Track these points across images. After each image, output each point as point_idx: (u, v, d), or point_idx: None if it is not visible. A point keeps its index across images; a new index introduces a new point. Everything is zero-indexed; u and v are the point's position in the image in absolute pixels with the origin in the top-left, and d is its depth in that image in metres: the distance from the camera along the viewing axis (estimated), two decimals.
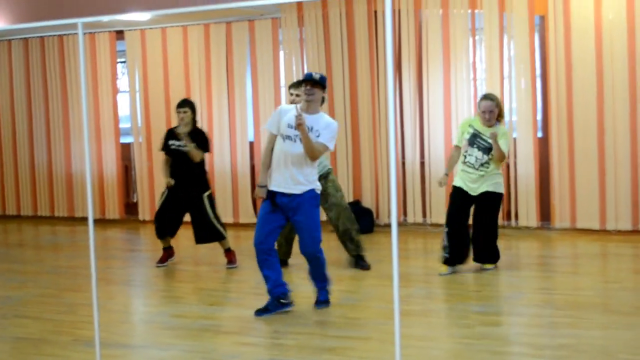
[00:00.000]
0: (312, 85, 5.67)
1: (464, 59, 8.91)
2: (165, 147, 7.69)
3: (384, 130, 9.28)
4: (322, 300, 5.95)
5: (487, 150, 6.66)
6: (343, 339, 5.13)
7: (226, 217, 9.92)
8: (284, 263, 7.36)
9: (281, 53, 9.79)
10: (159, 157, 10.11)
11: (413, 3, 8.98)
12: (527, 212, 8.72)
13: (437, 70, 9.00)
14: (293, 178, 5.66)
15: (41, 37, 10.96)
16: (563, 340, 4.92)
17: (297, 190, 5.67)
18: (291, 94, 6.85)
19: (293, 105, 5.84)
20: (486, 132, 6.70)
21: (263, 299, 6.20)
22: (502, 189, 6.82)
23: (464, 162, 6.78)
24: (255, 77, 9.84)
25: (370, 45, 9.25)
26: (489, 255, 6.88)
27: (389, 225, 9.06)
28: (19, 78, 11.24)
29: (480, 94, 8.85)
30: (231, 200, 10.01)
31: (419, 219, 9.25)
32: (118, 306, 6.35)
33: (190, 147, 7.36)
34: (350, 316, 5.67)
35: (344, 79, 9.34)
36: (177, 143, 7.54)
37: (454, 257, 6.88)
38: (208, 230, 7.56)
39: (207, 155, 7.90)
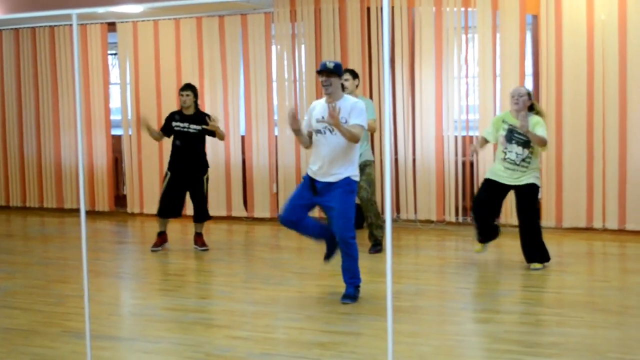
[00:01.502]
0: (328, 75, 5.80)
1: (456, 57, 8.94)
2: (168, 129, 8.00)
3: (377, 125, 9.28)
4: (347, 294, 5.95)
5: (527, 143, 6.68)
6: (334, 334, 5.15)
7: (219, 210, 9.94)
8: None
9: (273, 47, 9.78)
10: (149, 150, 10.19)
11: (406, 0, 9.00)
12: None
13: (429, 67, 9.02)
14: (329, 169, 5.85)
15: (32, 27, 10.91)
16: (552, 339, 4.95)
17: (333, 178, 5.85)
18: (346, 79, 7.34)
19: (321, 100, 6.01)
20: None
21: (254, 293, 6.23)
22: (539, 183, 6.93)
23: (504, 159, 6.79)
24: (247, 72, 9.83)
25: (363, 41, 9.26)
26: (537, 253, 6.87)
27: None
28: (9, 68, 11.19)
29: (472, 92, 8.94)
30: (224, 194, 10.00)
31: (411, 216, 9.27)
32: (108, 298, 6.34)
33: (216, 127, 7.79)
34: (341, 311, 5.69)
35: None
36: (180, 125, 7.91)
37: (485, 238, 7.06)
38: (201, 210, 7.98)
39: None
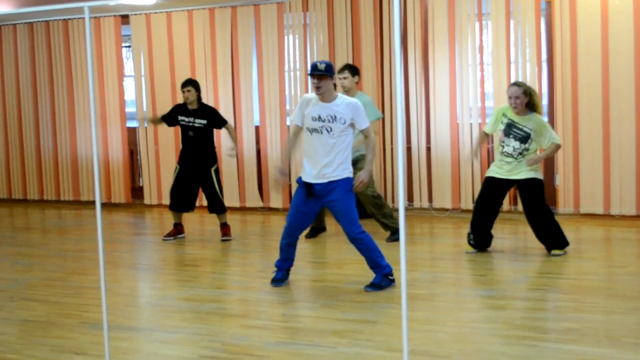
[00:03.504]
0: (319, 78, 5.74)
1: (470, 44, 8.90)
2: (172, 119, 8.09)
3: (388, 114, 9.28)
4: (372, 283, 5.95)
5: (525, 139, 6.69)
6: (349, 322, 5.15)
7: (232, 201, 9.98)
8: (322, 229, 8.14)
9: (286, 38, 9.77)
10: (165, 142, 10.24)
11: None
12: None
13: (443, 54, 8.99)
14: (326, 169, 5.81)
15: (46, 21, 10.96)
16: (568, 324, 4.94)
17: (332, 177, 5.82)
18: (339, 79, 7.40)
19: (313, 95, 5.92)
20: (521, 121, 6.72)
21: (269, 282, 6.24)
22: (541, 176, 6.85)
23: (502, 153, 6.80)
24: (260, 62, 9.84)
25: (375, 29, 9.24)
26: (556, 241, 6.85)
27: (394, 210, 9.08)
28: (24, 62, 11.25)
29: (486, 79, 8.89)
30: (237, 185, 10.04)
31: (425, 204, 9.27)
32: (125, 289, 6.37)
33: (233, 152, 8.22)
34: (356, 300, 5.69)
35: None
36: (186, 119, 7.99)
37: (478, 244, 7.05)
38: (215, 201, 8.02)
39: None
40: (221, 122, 8.05)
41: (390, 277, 5.95)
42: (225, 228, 8.14)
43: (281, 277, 6.19)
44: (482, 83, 8.93)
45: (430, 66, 9.07)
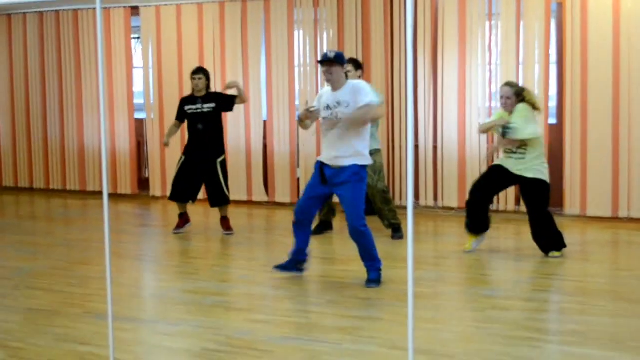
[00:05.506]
0: (329, 65, 5.80)
1: (479, 44, 8.87)
2: (182, 114, 8.05)
3: (397, 112, 9.26)
4: (372, 279, 5.98)
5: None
6: (354, 319, 5.15)
7: (239, 195, 9.97)
8: (329, 225, 8.11)
9: (296, 33, 9.76)
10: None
11: None
12: None
13: (452, 54, 8.96)
14: (337, 156, 5.88)
15: (56, 11, 10.96)
16: (573, 327, 4.92)
17: (342, 163, 5.86)
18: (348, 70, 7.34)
19: (326, 87, 6.06)
20: (512, 119, 6.69)
21: (274, 276, 6.24)
22: (546, 178, 6.70)
23: (505, 152, 6.81)
24: (269, 57, 9.82)
25: (386, 27, 9.21)
26: (552, 243, 6.80)
27: (400, 208, 9.06)
28: (33, 52, 11.25)
29: (495, 79, 8.86)
30: (245, 179, 10.02)
31: (431, 202, 9.25)
32: (129, 280, 6.37)
33: (235, 84, 7.85)
34: (361, 297, 5.68)
35: None
36: (193, 107, 7.95)
37: (474, 227, 6.98)
38: (217, 194, 7.93)
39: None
40: (230, 101, 7.96)
41: (380, 272, 6.02)
42: (225, 221, 8.10)
43: (287, 264, 6.20)
44: (490, 83, 8.90)
45: (440, 65, 9.04)
